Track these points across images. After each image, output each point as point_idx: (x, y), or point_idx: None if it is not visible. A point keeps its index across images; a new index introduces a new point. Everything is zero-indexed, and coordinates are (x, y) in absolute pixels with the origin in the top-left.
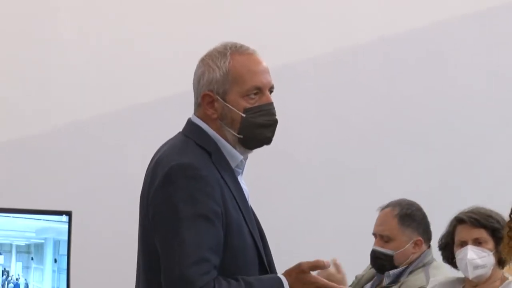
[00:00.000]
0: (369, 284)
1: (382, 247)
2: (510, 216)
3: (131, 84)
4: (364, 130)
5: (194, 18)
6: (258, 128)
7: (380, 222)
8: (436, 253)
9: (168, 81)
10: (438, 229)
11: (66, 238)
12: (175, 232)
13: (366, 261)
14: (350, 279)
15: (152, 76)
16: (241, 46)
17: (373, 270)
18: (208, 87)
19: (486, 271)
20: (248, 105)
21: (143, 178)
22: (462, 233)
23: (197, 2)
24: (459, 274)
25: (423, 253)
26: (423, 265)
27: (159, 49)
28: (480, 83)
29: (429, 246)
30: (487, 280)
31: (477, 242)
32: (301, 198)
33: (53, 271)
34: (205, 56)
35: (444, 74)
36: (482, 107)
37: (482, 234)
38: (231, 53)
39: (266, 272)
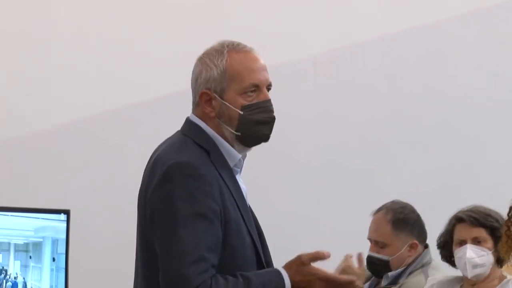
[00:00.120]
0: (367, 284)
1: (378, 252)
2: (508, 215)
3: (130, 83)
4: (364, 129)
5: (194, 17)
6: (256, 125)
7: (374, 227)
8: (433, 252)
9: (167, 80)
10: (437, 229)
11: (64, 237)
12: (173, 231)
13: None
14: None
15: (152, 75)
16: (238, 44)
17: None
18: (205, 85)
19: (485, 270)
20: (246, 103)
21: (142, 177)
22: (461, 232)
23: (196, 2)
24: (457, 273)
25: (420, 255)
26: (422, 266)
27: (159, 49)
28: (480, 83)
29: (426, 246)
30: (486, 279)
31: (476, 241)
32: (300, 197)
33: (51, 269)
34: (203, 54)
35: (444, 73)
36: (482, 106)
37: (481, 233)
38: (228, 51)
39: None
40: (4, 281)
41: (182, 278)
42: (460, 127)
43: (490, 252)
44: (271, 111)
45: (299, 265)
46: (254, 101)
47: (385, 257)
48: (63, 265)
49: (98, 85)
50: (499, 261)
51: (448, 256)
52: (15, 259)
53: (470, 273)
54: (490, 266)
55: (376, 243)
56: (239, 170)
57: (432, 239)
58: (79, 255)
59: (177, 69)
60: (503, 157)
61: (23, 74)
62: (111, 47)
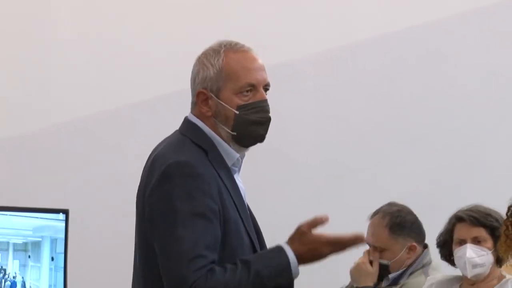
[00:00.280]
0: None
1: (377, 255)
2: (507, 214)
3: (130, 83)
4: (363, 129)
5: (193, 17)
6: (251, 125)
7: (372, 232)
8: (433, 252)
9: (167, 80)
10: (437, 229)
11: (63, 236)
12: (172, 231)
13: None
14: (347, 280)
15: (151, 75)
16: (236, 44)
17: None
18: (202, 85)
19: (485, 270)
20: (242, 102)
21: (140, 176)
22: (461, 231)
23: (196, 2)
24: (456, 272)
25: (420, 255)
26: (422, 267)
27: (158, 48)
28: (480, 82)
29: (425, 247)
30: (485, 278)
31: (476, 241)
32: (300, 197)
33: (50, 269)
34: (201, 54)
35: (443, 73)
36: (482, 106)
37: (481, 233)
38: (225, 50)
39: None
40: (3, 280)
41: (180, 277)
42: (459, 126)
43: (490, 252)
44: (267, 111)
45: (300, 235)
46: (250, 101)
47: (384, 262)
48: (62, 265)
49: (97, 85)
50: (499, 261)
51: (447, 255)
52: (14, 258)
53: (470, 273)
54: (490, 266)
55: (375, 248)
56: (237, 169)
57: (431, 240)
58: (78, 254)
59: (176, 68)
60: (503, 157)
61: (23, 74)
62: (111, 47)
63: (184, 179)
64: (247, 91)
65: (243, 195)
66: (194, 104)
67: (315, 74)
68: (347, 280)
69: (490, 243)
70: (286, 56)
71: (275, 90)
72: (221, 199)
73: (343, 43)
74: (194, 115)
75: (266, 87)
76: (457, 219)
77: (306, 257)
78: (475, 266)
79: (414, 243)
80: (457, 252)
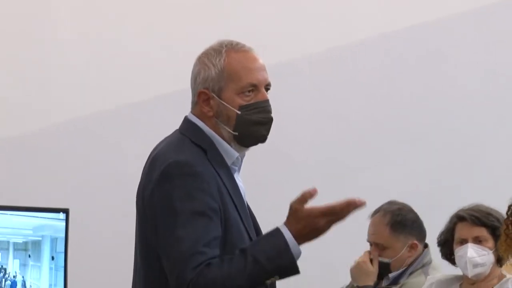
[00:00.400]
0: None
1: (379, 254)
2: (507, 213)
3: (130, 83)
4: (363, 129)
5: (192, 17)
6: (253, 126)
7: (373, 231)
8: (433, 252)
9: (167, 80)
10: (437, 229)
11: (63, 235)
12: (172, 231)
13: None
14: (347, 279)
15: (151, 75)
16: (237, 43)
17: None
18: (203, 84)
19: (485, 270)
20: (243, 102)
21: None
22: (462, 230)
23: (195, 2)
24: (456, 271)
25: (420, 255)
26: (422, 266)
27: (158, 48)
28: (480, 82)
29: (425, 246)
30: (485, 278)
31: (477, 240)
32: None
33: (50, 268)
34: (202, 54)
35: (443, 73)
36: (482, 105)
37: (483, 232)
38: (226, 50)
39: None
40: (3, 280)
41: (179, 276)
42: (459, 126)
43: (491, 252)
44: (269, 111)
45: (294, 213)
46: (252, 101)
47: (386, 260)
48: (62, 264)
49: (97, 85)
50: (499, 260)
51: (448, 254)
52: (14, 258)
53: (470, 272)
54: (491, 266)
55: (377, 246)
56: (237, 168)
57: (431, 240)
58: (78, 254)
59: (176, 68)
60: (503, 157)
61: (23, 74)
62: (110, 47)
63: (183, 179)
64: (249, 91)
65: (242, 194)
66: (195, 104)
67: (314, 74)
68: (347, 279)
69: (491, 242)
70: (284, 55)
71: (275, 89)
72: (221, 198)
73: (342, 42)
74: (194, 114)
75: (267, 87)
76: (459, 218)
77: (305, 234)
78: (476, 265)
79: (415, 241)
80: (458, 251)
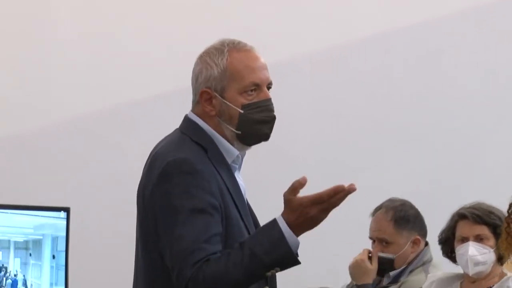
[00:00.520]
0: None
1: (382, 251)
2: (508, 211)
3: (130, 82)
4: (361, 128)
5: (192, 16)
6: (256, 124)
7: (376, 227)
8: (433, 251)
9: (167, 79)
10: (437, 229)
11: (64, 234)
12: (172, 230)
13: None
14: (347, 278)
15: (151, 74)
16: (239, 42)
17: None
18: (206, 84)
19: (486, 268)
20: (246, 101)
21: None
22: (463, 229)
23: (196, 1)
24: (457, 269)
25: (421, 251)
26: (423, 264)
27: (158, 47)
28: (480, 81)
29: (426, 244)
30: (486, 276)
31: (479, 239)
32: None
33: (51, 267)
34: (203, 53)
35: (443, 71)
36: (482, 105)
37: (484, 230)
38: (228, 49)
39: None
40: (4, 278)
41: (179, 274)
42: (460, 126)
43: (492, 250)
44: (271, 110)
45: (287, 203)
46: (255, 100)
47: (390, 256)
48: (63, 263)
49: (97, 84)
50: (500, 259)
51: (449, 252)
52: (15, 256)
53: (471, 271)
54: (492, 264)
55: (380, 242)
56: (237, 166)
57: (431, 239)
58: (79, 252)
59: (176, 67)
60: (503, 156)
61: (23, 73)
62: (111, 46)
63: (183, 177)
64: (252, 90)
65: (243, 192)
66: (196, 103)
67: (314, 73)
68: (347, 278)
69: (492, 241)
70: (286, 55)
71: (275, 88)
72: (221, 195)
73: (343, 42)
74: (195, 113)
75: (269, 86)
76: (460, 216)
77: (299, 224)
78: (477, 264)
79: (418, 237)
80: (459, 249)
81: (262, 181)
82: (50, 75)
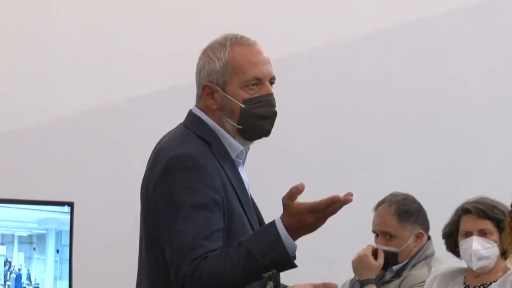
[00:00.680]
0: None
1: (385, 244)
2: (511, 206)
3: (131, 78)
4: (362, 125)
5: (193, 13)
6: (257, 119)
7: (380, 220)
8: (435, 244)
9: (168, 75)
10: (436, 226)
11: (68, 228)
12: (173, 225)
13: None
14: (347, 277)
15: (152, 70)
16: (242, 37)
17: None
18: (208, 78)
19: (490, 263)
20: (248, 96)
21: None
22: (467, 223)
23: None
24: (460, 264)
25: (424, 245)
26: (425, 258)
27: (159, 42)
28: (480, 80)
29: (429, 238)
30: (490, 271)
31: (482, 233)
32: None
33: (55, 261)
34: (206, 47)
35: (444, 68)
36: (482, 102)
37: (488, 225)
38: (230, 44)
39: None
40: (8, 273)
41: (176, 270)
42: (460, 123)
43: (495, 245)
44: (273, 105)
45: (286, 208)
46: (256, 95)
47: (393, 249)
48: (67, 257)
49: (99, 80)
50: (504, 253)
51: (452, 247)
52: (19, 251)
53: (475, 265)
54: (495, 259)
55: (384, 235)
56: (241, 161)
57: (432, 234)
58: (83, 247)
59: (177, 63)
60: (503, 155)
61: (25, 69)
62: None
63: (186, 172)
64: (253, 84)
65: (247, 187)
66: (199, 97)
67: (315, 70)
68: (347, 276)
69: (496, 235)
70: (287, 51)
71: (276, 84)
72: (224, 191)
73: (343, 38)
74: (199, 108)
75: (271, 81)
76: (464, 211)
77: (296, 228)
78: (480, 258)
79: (421, 230)
80: (463, 244)
81: (263, 177)
82: (51, 70)
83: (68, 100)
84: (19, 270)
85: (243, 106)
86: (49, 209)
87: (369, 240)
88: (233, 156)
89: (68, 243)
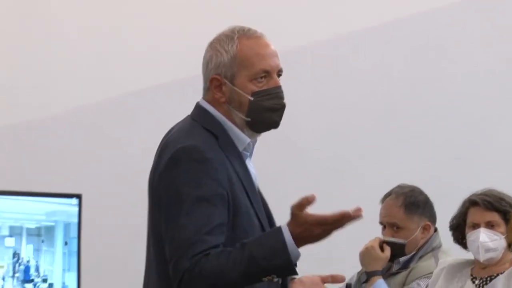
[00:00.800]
0: None
1: (392, 236)
2: None
3: (137, 71)
4: (364, 119)
5: (194, 5)
6: (266, 112)
7: (387, 212)
8: (442, 237)
9: (177, 67)
10: (442, 220)
11: (76, 221)
12: (176, 218)
13: None
14: (356, 269)
15: (162, 61)
16: (249, 29)
17: None
18: (216, 70)
19: (497, 255)
20: (256, 89)
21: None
22: (475, 215)
23: None
24: (467, 255)
25: (431, 237)
26: (432, 250)
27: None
28: (481, 74)
29: (435, 230)
30: (497, 262)
31: (490, 225)
32: (303, 186)
33: (64, 253)
34: (213, 40)
35: (445, 62)
36: (483, 97)
37: (495, 217)
38: (238, 36)
39: None
40: (17, 265)
41: (176, 264)
42: (461, 119)
43: (502, 237)
44: (281, 97)
45: (294, 217)
46: (265, 87)
47: (401, 241)
48: (76, 249)
49: (106, 73)
50: (510, 245)
51: (460, 239)
52: (27, 243)
53: (482, 257)
54: (502, 250)
55: (391, 226)
56: (248, 154)
57: (438, 226)
58: (91, 239)
59: (185, 55)
60: (504, 149)
61: (31, 64)
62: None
63: (191, 164)
64: (262, 77)
65: (254, 179)
66: (207, 90)
67: (315, 65)
68: (356, 267)
69: (503, 227)
70: (288, 44)
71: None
72: (230, 183)
73: (344, 32)
74: (206, 100)
75: (279, 73)
76: (471, 203)
77: (302, 238)
78: (488, 250)
79: (428, 222)
80: (470, 236)
81: (269, 172)
82: (59, 67)
83: (78, 90)
84: (27, 262)
85: (251, 98)
86: (57, 201)
87: (375, 234)
88: (241, 148)
89: (76, 235)
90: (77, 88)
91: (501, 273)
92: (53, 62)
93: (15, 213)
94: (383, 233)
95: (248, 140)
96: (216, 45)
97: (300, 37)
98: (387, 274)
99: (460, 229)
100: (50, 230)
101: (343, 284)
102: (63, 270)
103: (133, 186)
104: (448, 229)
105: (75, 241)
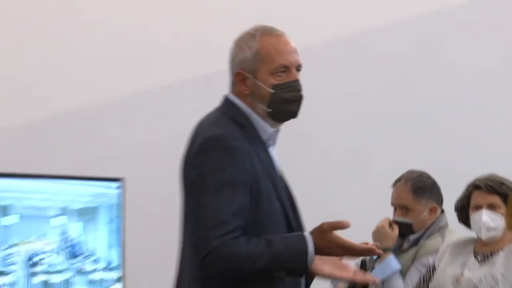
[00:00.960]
0: None
1: (403, 216)
2: None
3: (173, 64)
4: (379, 112)
5: (203, 5)
6: (285, 103)
7: (398, 195)
8: (449, 218)
9: (204, 63)
10: (448, 202)
11: (119, 202)
12: (200, 200)
13: None
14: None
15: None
16: (271, 28)
17: None
18: (240, 66)
19: (498, 233)
20: (276, 82)
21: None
22: (477, 198)
23: None
24: (471, 234)
25: (438, 218)
26: (439, 229)
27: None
28: (492, 64)
29: (442, 211)
30: (497, 240)
31: (491, 207)
32: (318, 175)
33: (109, 231)
34: (238, 38)
35: (456, 55)
36: (495, 86)
37: (496, 199)
38: (260, 34)
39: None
40: (65, 242)
41: (202, 242)
42: (470, 108)
43: (503, 217)
44: (299, 90)
45: (322, 232)
46: (284, 81)
47: (409, 220)
48: (119, 227)
49: (145, 66)
50: (510, 226)
51: (464, 219)
52: (77, 221)
53: (484, 235)
54: (503, 229)
55: (401, 208)
56: (272, 142)
57: (445, 208)
58: (134, 219)
59: (207, 51)
60: (505, 138)
61: (65, 57)
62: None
63: (218, 152)
64: (281, 71)
65: (276, 166)
66: (233, 84)
67: (331, 60)
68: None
69: (503, 209)
70: (302, 41)
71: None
72: (254, 171)
73: (357, 29)
74: (233, 93)
75: (298, 68)
76: (474, 187)
77: (322, 251)
78: (489, 229)
79: (435, 205)
80: (474, 216)
81: (288, 160)
82: (99, 59)
83: (115, 81)
84: (75, 239)
85: (272, 91)
86: (102, 185)
87: (387, 215)
88: (264, 137)
89: (119, 215)
90: (117, 79)
91: (501, 250)
92: (95, 54)
93: (64, 194)
94: (394, 214)
95: (271, 130)
96: (241, 43)
97: (315, 33)
98: (399, 250)
99: (464, 211)
100: (95, 210)
101: (358, 260)
102: (109, 245)
103: (170, 172)
104: (453, 210)
105: (118, 220)
